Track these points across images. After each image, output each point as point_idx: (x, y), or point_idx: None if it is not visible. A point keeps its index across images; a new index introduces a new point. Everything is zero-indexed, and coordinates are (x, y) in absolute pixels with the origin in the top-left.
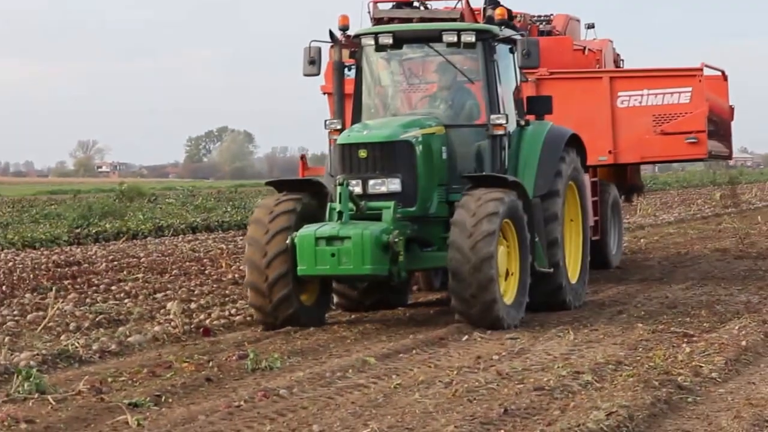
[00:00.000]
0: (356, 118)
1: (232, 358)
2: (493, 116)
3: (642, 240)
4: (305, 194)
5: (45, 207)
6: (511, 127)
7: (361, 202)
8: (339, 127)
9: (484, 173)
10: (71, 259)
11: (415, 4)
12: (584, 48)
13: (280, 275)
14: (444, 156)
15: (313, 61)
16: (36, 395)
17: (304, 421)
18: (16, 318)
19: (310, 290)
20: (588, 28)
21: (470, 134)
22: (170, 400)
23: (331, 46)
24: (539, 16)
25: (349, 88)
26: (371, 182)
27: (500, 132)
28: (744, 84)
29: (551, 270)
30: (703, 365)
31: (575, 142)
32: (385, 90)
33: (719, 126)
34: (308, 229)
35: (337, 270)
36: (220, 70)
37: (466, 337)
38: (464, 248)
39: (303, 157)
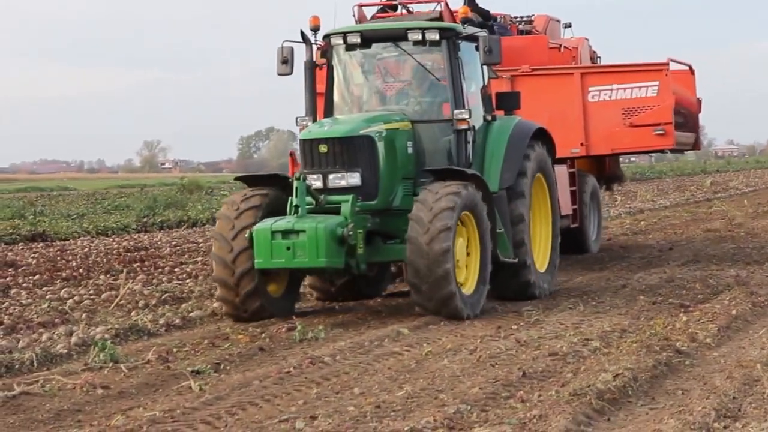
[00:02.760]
0: (328, 114)
1: (282, 330)
2: (456, 111)
3: (642, 222)
4: (273, 189)
5: (115, 199)
6: (477, 122)
7: (320, 196)
8: (309, 123)
9: (443, 167)
10: (139, 244)
11: (400, 8)
12: (560, 46)
13: (246, 270)
14: (410, 150)
15: (286, 61)
16: (110, 364)
17: (346, 384)
18: (92, 297)
19: (279, 282)
20: (565, 27)
21: (436, 129)
22: (228, 368)
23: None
24: (520, 17)
25: (321, 87)
26: (331, 176)
27: (464, 127)
28: (731, 85)
29: (515, 260)
30: (698, 332)
31: (542, 136)
32: (355, 87)
33: (687, 118)
34: (265, 223)
35: (292, 263)
36: (267, 77)
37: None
38: (421, 244)
39: (292, 154)
